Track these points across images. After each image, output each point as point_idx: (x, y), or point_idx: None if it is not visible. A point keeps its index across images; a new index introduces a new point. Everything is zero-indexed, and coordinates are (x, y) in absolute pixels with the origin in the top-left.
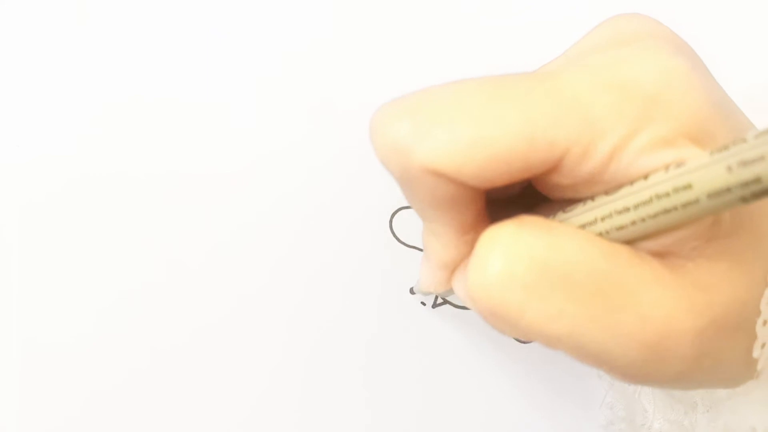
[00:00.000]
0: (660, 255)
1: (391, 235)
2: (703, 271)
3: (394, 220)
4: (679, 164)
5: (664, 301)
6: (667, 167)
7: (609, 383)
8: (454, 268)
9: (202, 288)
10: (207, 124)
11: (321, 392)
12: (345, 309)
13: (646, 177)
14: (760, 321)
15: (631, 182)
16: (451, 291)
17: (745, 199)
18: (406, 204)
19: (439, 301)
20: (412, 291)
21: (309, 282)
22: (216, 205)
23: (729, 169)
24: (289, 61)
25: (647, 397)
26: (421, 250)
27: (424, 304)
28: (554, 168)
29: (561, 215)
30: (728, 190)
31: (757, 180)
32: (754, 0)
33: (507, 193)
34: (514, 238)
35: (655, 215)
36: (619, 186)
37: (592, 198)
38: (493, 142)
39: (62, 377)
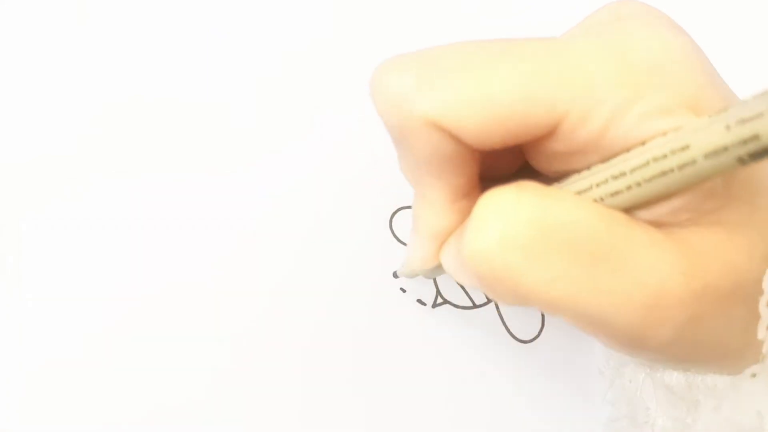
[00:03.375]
0: (655, 224)
1: (391, 235)
2: (698, 238)
3: (394, 220)
4: (677, 129)
5: (659, 264)
6: (665, 133)
7: (610, 380)
8: (443, 239)
9: (201, 288)
10: (207, 124)
11: (319, 393)
12: (344, 309)
13: (643, 143)
14: (763, 301)
15: (628, 150)
16: (437, 270)
17: (742, 160)
18: (406, 204)
19: (439, 300)
20: (395, 275)
21: (308, 282)
22: (216, 205)
23: (727, 127)
24: (289, 61)
25: (649, 394)
26: None
27: (423, 303)
28: (552, 132)
29: (555, 185)
30: (725, 149)
31: (755, 137)
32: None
33: (500, 172)
34: (513, 201)
35: (651, 179)
36: (615, 155)
37: (587, 168)
38: (495, 99)
39: (60, 377)
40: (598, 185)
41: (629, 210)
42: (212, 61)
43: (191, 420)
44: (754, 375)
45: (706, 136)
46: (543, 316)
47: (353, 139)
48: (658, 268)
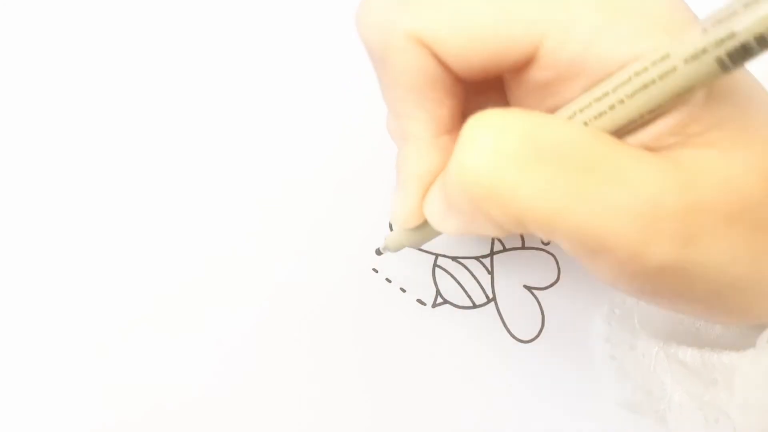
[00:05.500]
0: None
1: None
2: (688, 157)
3: None
4: (656, 49)
5: (652, 176)
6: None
7: (620, 361)
8: (427, 184)
9: (202, 288)
10: (207, 124)
11: (319, 392)
12: (344, 309)
13: (623, 66)
14: None
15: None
16: (423, 233)
17: (722, 62)
18: None
19: (439, 300)
20: (378, 252)
21: (308, 282)
22: (215, 205)
23: (704, 30)
24: (289, 61)
25: (664, 369)
26: (421, 249)
27: (423, 303)
28: (532, 59)
29: None
30: (704, 50)
31: (732, 35)
32: None
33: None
34: (502, 116)
35: (633, 93)
36: (597, 84)
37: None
38: (476, 18)
39: (60, 377)
40: (581, 110)
41: (615, 135)
42: (212, 61)
43: (191, 420)
44: None
45: (685, 41)
46: (543, 316)
47: (353, 139)
48: (651, 180)
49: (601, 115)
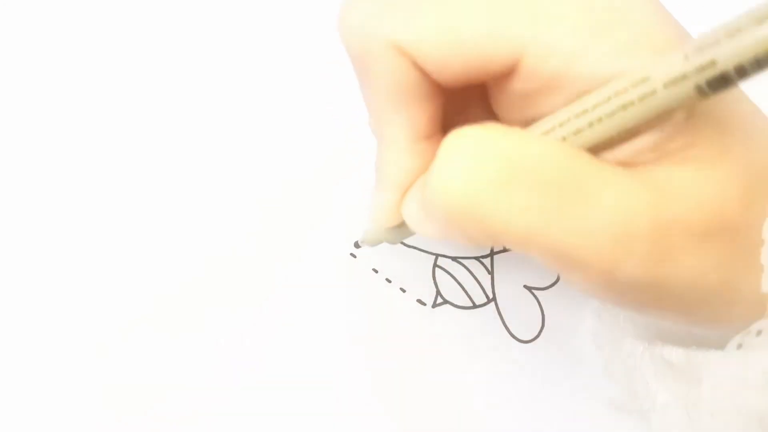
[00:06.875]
0: (620, 165)
1: None
2: (664, 174)
3: None
4: (637, 69)
5: (625, 197)
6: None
7: (604, 350)
8: (405, 187)
9: (202, 288)
10: (207, 124)
11: (318, 393)
12: (344, 309)
13: (604, 83)
14: (765, 251)
15: (590, 91)
16: (400, 231)
17: (700, 89)
18: None
19: (439, 300)
20: (356, 244)
21: (307, 282)
22: (216, 205)
23: (686, 56)
24: (290, 61)
25: (649, 369)
26: (421, 250)
27: (423, 303)
28: (514, 70)
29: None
30: (684, 77)
31: (712, 63)
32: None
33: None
34: (480, 136)
35: (612, 113)
36: (578, 97)
37: (551, 114)
38: (457, 29)
39: (61, 377)
40: (561, 125)
41: (593, 150)
42: (212, 62)
43: (191, 420)
44: (759, 332)
45: (665, 66)
46: (543, 316)
47: (353, 139)
48: (624, 201)
49: (579, 131)
